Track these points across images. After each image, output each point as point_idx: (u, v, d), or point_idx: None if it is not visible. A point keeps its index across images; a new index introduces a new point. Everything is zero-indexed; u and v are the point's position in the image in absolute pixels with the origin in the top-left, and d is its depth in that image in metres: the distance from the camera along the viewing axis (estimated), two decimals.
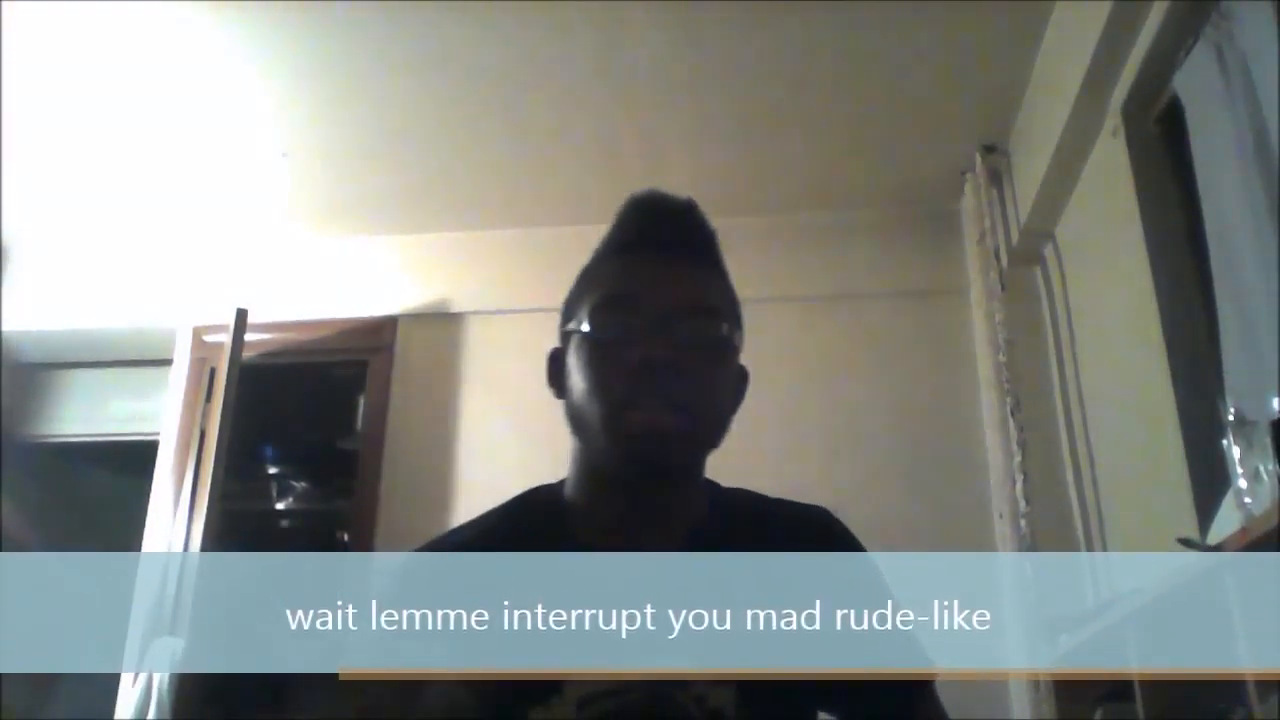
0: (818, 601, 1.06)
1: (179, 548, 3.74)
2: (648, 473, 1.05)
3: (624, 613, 1.02)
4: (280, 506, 4.22)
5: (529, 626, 1.02)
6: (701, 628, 1.03)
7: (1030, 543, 3.31)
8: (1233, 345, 2.29)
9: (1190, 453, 2.48)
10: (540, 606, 1.02)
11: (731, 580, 1.06)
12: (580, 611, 1.02)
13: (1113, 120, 2.92)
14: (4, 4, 2.76)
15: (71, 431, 4.56)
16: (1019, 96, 3.50)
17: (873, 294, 4.05)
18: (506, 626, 1.02)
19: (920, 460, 3.75)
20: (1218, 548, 1.87)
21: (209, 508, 3.69)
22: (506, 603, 1.03)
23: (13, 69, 3.35)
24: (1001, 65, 3.37)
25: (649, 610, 1.03)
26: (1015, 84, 3.45)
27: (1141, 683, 2.17)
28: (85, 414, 4.57)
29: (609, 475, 1.08)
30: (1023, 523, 3.34)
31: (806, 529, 1.15)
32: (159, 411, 4.18)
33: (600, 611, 1.02)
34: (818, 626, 1.05)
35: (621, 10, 3.17)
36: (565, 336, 1.11)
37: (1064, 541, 3.34)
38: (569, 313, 1.12)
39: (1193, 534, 2.24)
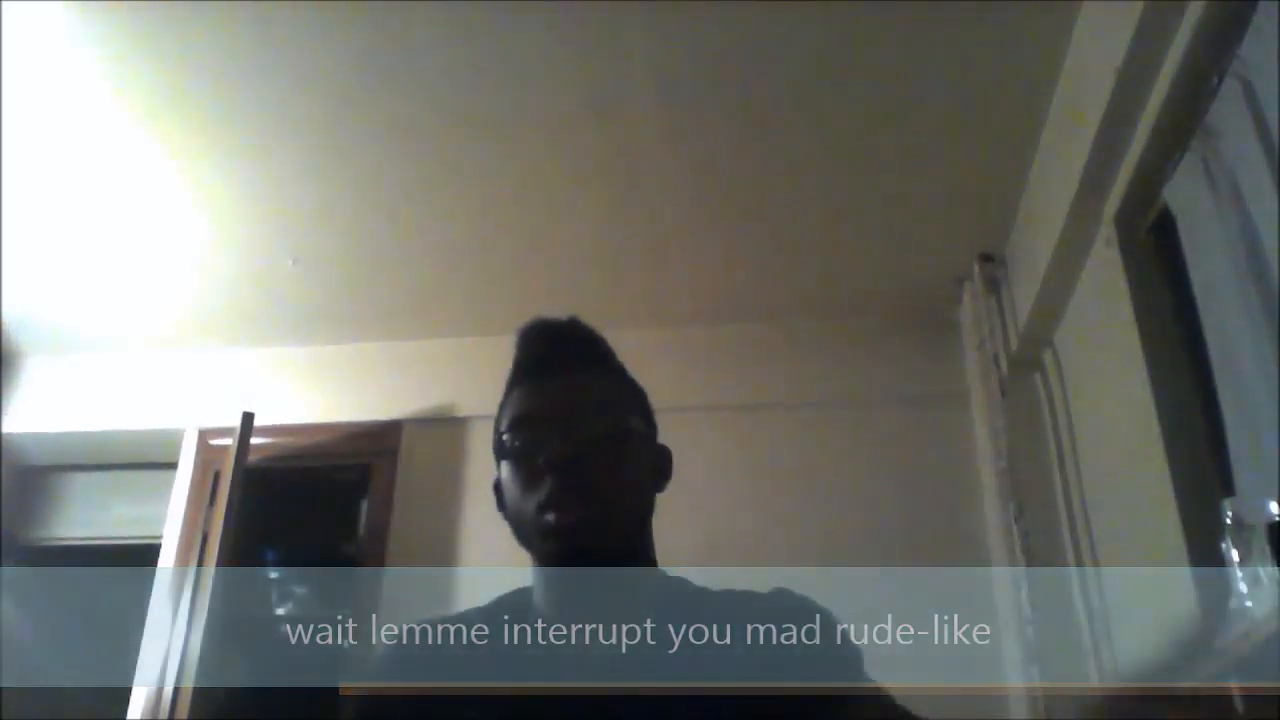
0: (775, 666, 1.12)
1: (178, 652, 3.70)
2: (574, 562, 1.16)
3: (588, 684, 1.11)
4: (280, 612, 4.18)
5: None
6: (662, 705, 1.09)
7: (1036, 650, 3.28)
8: (1241, 450, 2.31)
9: (1194, 556, 2.46)
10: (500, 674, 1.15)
11: (694, 660, 1.12)
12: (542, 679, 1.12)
13: (1106, 230, 2.98)
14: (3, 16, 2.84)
15: (73, 534, 4.55)
16: (1014, 207, 3.57)
17: (873, 400, 4.07)
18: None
19: (922, 568, 3.72)
20: (1222, 652, 1.86)
21: (209, 612, 3.66)
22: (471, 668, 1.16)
23: (19, 169, 3.45)
24: (996, 177, 3.45)
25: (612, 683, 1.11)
26: (1010, 195, 3.52)
27: None
28: (87, 517, 4.56)
29: (549, 574, 1.20)
30: (1028, 630, 3.31)
31: (768, 608, 1.19)
32: (162, 515, 4.17)
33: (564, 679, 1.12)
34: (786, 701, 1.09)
35: (622, 113, 3.26)
36: (498, 463, 1.24)
37: (1070, 647, 3.30)
38: (495, 442, 1.25)
39: (1199, 638, 2.23)
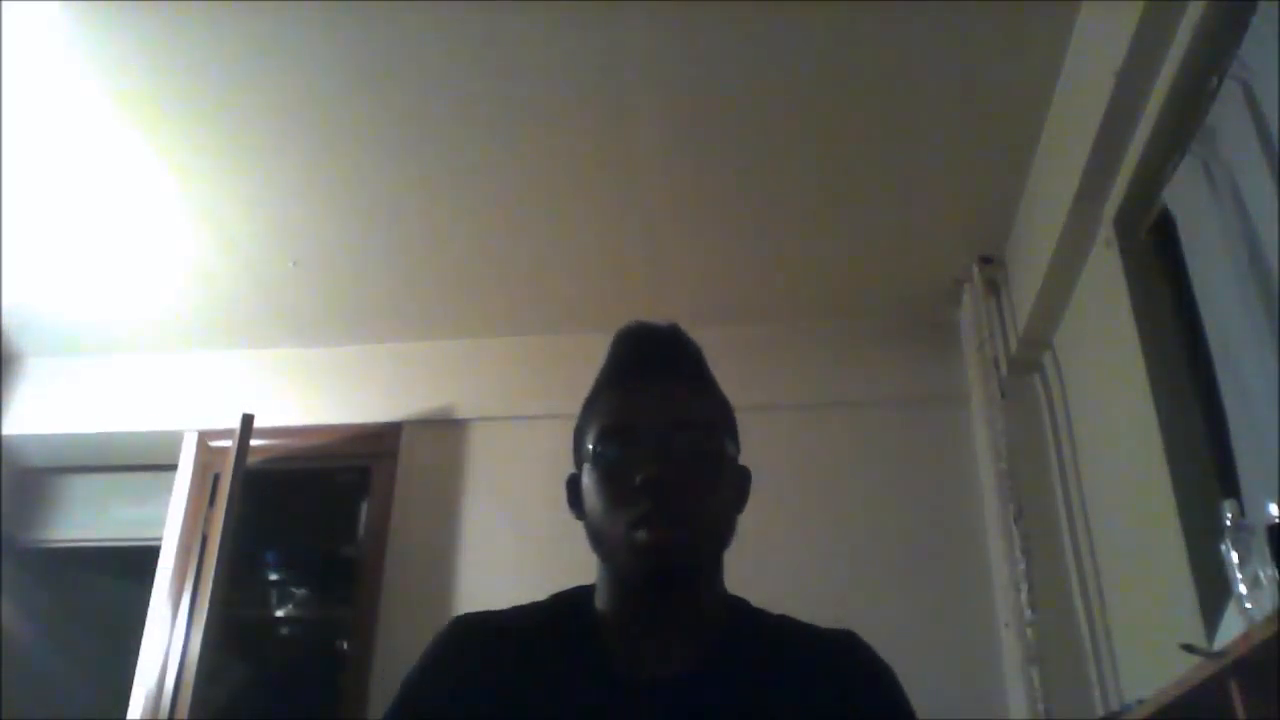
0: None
1: (178, 654, 3.70)
2: (659, 584, 1.12)
3: (640, 704, 1.10)
4: (280, 614, 4.19)
5: (543, 703, 1.11)
6: None
7: (1036, 652, 3.28)
8: (1241, 451, 2.31)
9: (1193, 558, 2.47)
10: (557, 688, 1.12)
11: (749, 704, 1.11)
12: (595, 697, 1.11)
13: (1106, 232, 2.98)
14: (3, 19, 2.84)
15: (74, 536, 4.55)
16: (1013, 209, 3.58)
17: (873, 402, 4.07)
18: (523, 700, 1.11)
19: (923, 570, 3.73)
20: (1221, 654, 1.86)
21: (209, 614, 3.66)
22: (528, 680, 1.13)
23: (20, 171, 3.46)
24: (996, 179, 3.46)
25: (664, 706, 1.09)
26: (1010, 197, 3.53)
27: None
28: (88, 519, 4.56)
29: (627, 588, 1.16)
30: (1029, 631, 3.31)
31: (832, 654, 1.19)
32: (162, 517, 4.17)
33: (617, 701, 1.10)
34: None
35: (622, 116, 3.27)
36: (578, 464, 1.21)
37: (1070, 650, 3.30)
38: (579, 443, 1.22)
39: (1199, 640, 2.24)
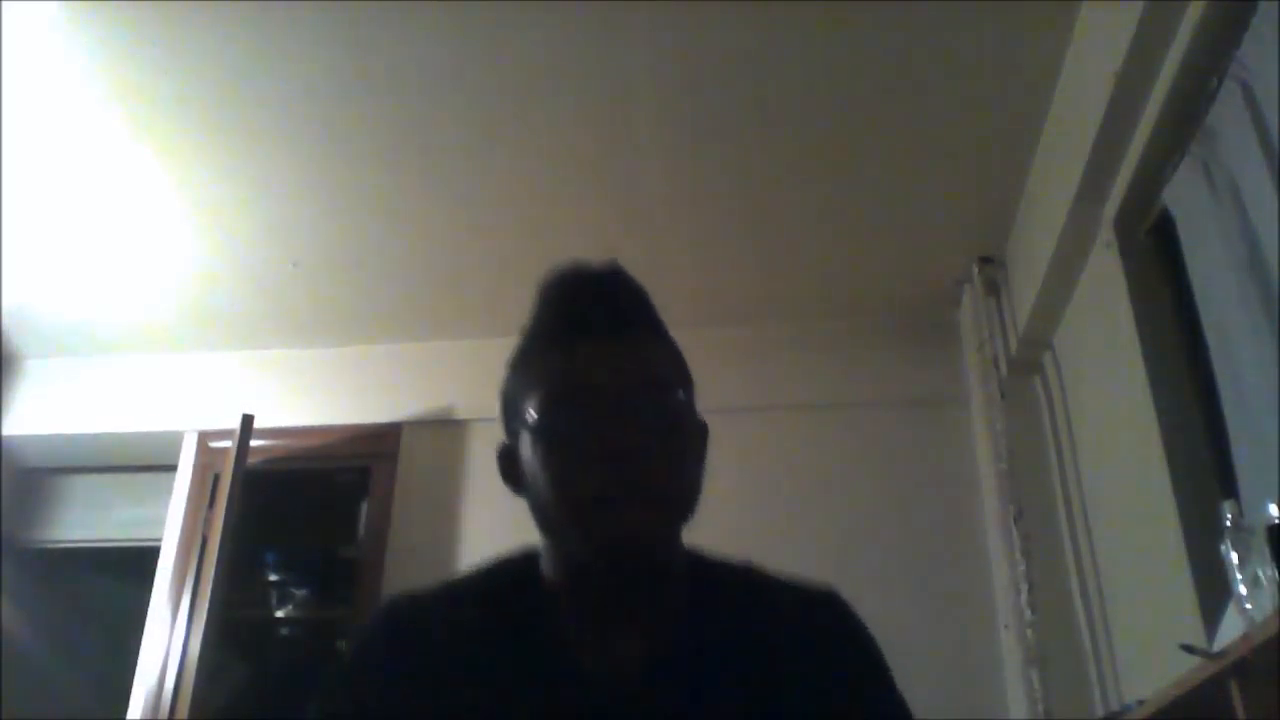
0: (813, 696, 1.02)
1: (178, 654, 3.70)
2: (630, 573, 1.01)
3: (599, 695, 1.00)
4: (280, 614, 4.18)
5: (492, 698, 0.99)
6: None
7: (1036, 653, 3.28)
8: (1241, 452, 2.31)
9: (1193, 559, 2.47)
10: (507, 679, 1.00)
11: (721, 672, 1.02)
12: (550, 690, 1.00)
13: (1106, 232, 2.98)
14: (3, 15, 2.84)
15: (73, 537, 4.55)
16: (1013, 210, 3.58)
17: (873, 402, 4.07)
18: (469, 695, 1.00)
19: (923, 570, 3.73)
20: (1221, 654, 1.86)
21: (209, 614, 3.66)
22: (474, 671, 1.01)
23: (20, 172, 3.46)
24: (996, 179, 3.46)
25: (627, 699, 1.00)
26: (1010, 198, 3.53)
27: None
28: (88, 519, 4.56)
29: (585, 571, 1.02)
30: (1029, 633, 3.31)
31: (808, 618, 1.10)
32: (161, 517, 4.17)
33: (574, 692, 1.00)
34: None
35: (622, 117, 3.26)
36: (512, 433, 1.06)
37: (1070, 650, 3.30)
38: (511, 409, 1.06)
39: (1200, 640, 2.24)
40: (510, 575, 1.09)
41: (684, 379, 1.08)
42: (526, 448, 1.02)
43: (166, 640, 3.81)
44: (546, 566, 1.06)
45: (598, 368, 1.01)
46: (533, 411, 1.01)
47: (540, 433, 1.00)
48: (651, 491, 0.97)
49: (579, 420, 0.98)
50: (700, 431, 1.08)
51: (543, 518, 1.02)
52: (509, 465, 1.06)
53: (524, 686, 1.00)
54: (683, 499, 1.02)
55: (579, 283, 1.09)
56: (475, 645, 1.03)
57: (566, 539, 1.01)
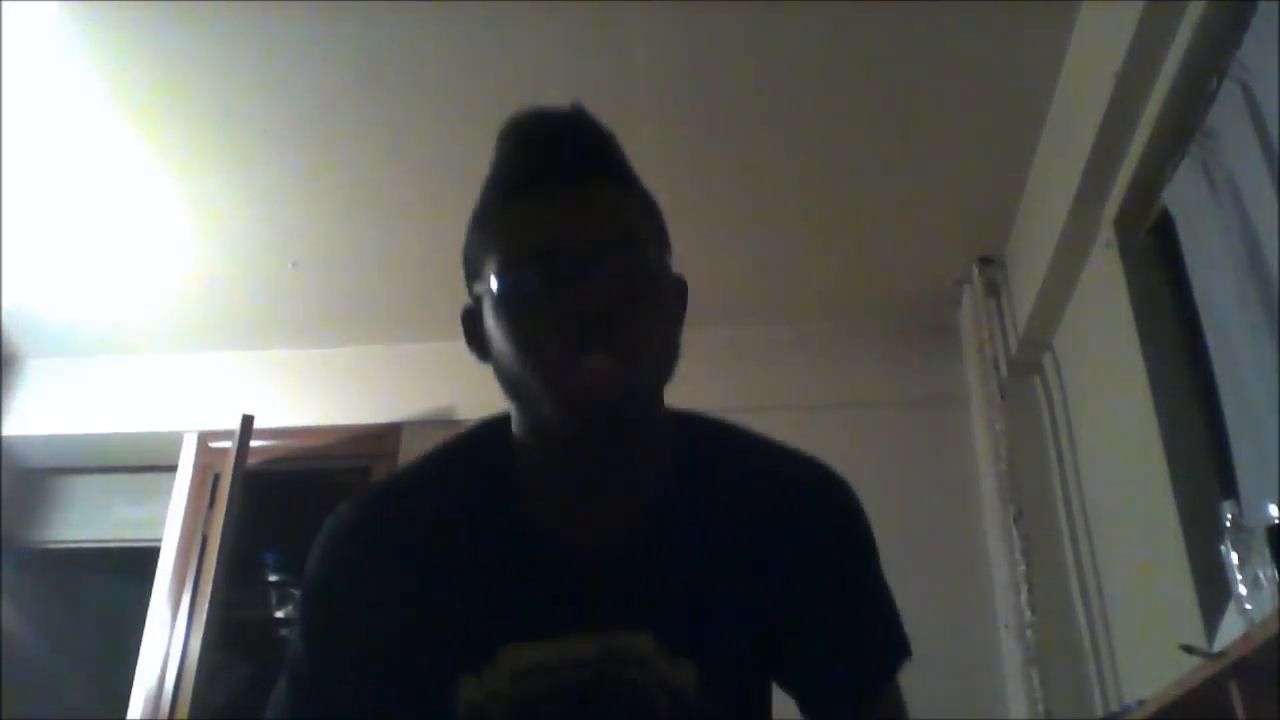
0: (798, 574, 1.01)
1: (178, 654, 3.70)
2: (603, 432, 0.93)
3: (576, 582, 0.97)
4: (280, 614, 4.18)
5: (465, 590, 0.97)
6: (666, 603, 0.98)
7: (1037, 653, 3.28)
8: (1241, 452, 2.31)
9: (1193, 559, 2.47)
10: (478, 570, 0.98)
11: (704, 550, 0.99)
12: (524, 578, 0.97)
13: (1106, 232, 2.98)
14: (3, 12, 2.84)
15: (73, 537, 4.55)
16: (1013, 211, 3.58)
17: (873, 403, 4.07)
18: (443, 588, 0.98)
19: (923, 571, 3.72)
20: (1221, 655, 1.86)
21: (209, 614, 3.66)
22: (443, 565, 0.98)
23: (20, 172, 3.46)
24: (996, 179, 3.46)
25: (605, 580, 0.97)
26: (1009, 199, 3.53)
27: None
28: (88, 519, 4.56)
29: (558, 441, 0.97)
30: (1029, 633, 3.31)
31: (800, 488, 1.06)
32: (161, 517, 4.17)
33: (549, 580, 0.97)
34: (795, 600, 1.01)
35: (621, 116, 3.24)
36: (475, 296, 1.00)
37: (1070, 651, 3.30)
38: (473, 270, 0.99)
39: (1200, 640, 2.23)
40: (480, 452, 1.05)
41: (656, 229, 1.02)
42: (489, 314, 0.96)
43: (166, 640, 3.81)
44: (518, 432, 1.02)
45: (558, 224, 0.93)
46: (493, 277, 0.94)
47: (501, 299, 0.93)
48: (621, 348, 0.90)
49: (540, 284, 0.91)
50: (676, 287, 1.02)
51: (510, 384, 0.97)
52: (473, 329, 1.01)
53: (495, 577, 0.97)
54: (654, 354, 0.96)
55: (537, 128, 1.01)
56: (445, 539, 1.00)
57: (536, 406, 0.95)
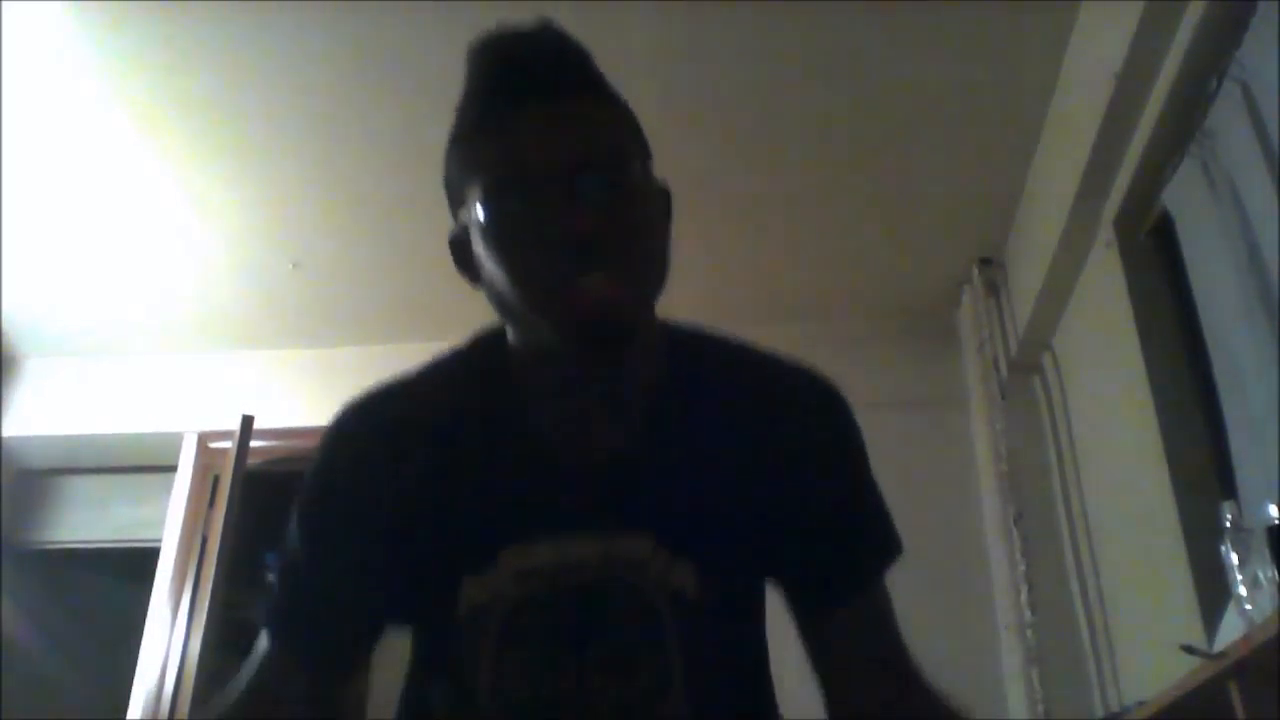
0: (792, 473, 1.03)
1: (178, 654, 3.70)
2: (602, 348, 0.95)
3: (576, 485, 0.98)
4: None
5: (466, 493, 0.99)
6: (664, 505, 0.99)
7: (1037, 653, 3.28)
8: (1241, 452, 2.31)
9: (1193, 559, 2.47)
10: (480, 473, 0.99)
11: (699, 452, 1.01)
12: (525, 481, 0.99)
13: (1105, 233, 2.98)
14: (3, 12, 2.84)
15: (73, 537, 4.55)
16: (1013, 212, 3.58)
17: (873, 404, 3.98)
18: (443, 489, 0.99)
19: (923, 571, 3.71)
20: (1221, 655, 1.86)
21: (209, 614, 3.66)
22: (444, 468, 1.00)
23: (21, 172, 3.46)
24: (996, 180, 3.46)
25: (604, 483, 0.99)
26: (1009, 200, 3.53)
27: None
28: (88, 520, 4.56)
29: (555, 354, 0.98)
30: (1029, 633, 3.31)
31: (794, 396, 1.09)
32: (161, 518, 4.17)
33: (550, 483, 0.99)
34: (790, 499, 1.02)
35: None
36: (461, 223, 0.99)
37: (1070, 651, 3.30)
38: (456, 196, 0.99)
39: (1200, 641, 2.23)
40: (479, 360, 1.06)
41: (635, 141, 1.01)
42: (477, 240, 0.95)
43: (166, 640, 3.81)
44: (514, 343, 1.03)
45: (540, 144, 0.92)
46: (479, 205, 0.93)
47: (490, 227, 0.93)
48: (616, 266, 0.91)
49: (529, 209, 0.91)
50: (661, 196, 1.03)
51: (505, 307, 0.97)
52: (462, 255, 1.00)
53: (496, 479, 0.99)
54: (647, 268, 0.98)
55: (508, 46, 0.98)
56: (446, 440, 1.01)
57: (530, 326, 0.97)
